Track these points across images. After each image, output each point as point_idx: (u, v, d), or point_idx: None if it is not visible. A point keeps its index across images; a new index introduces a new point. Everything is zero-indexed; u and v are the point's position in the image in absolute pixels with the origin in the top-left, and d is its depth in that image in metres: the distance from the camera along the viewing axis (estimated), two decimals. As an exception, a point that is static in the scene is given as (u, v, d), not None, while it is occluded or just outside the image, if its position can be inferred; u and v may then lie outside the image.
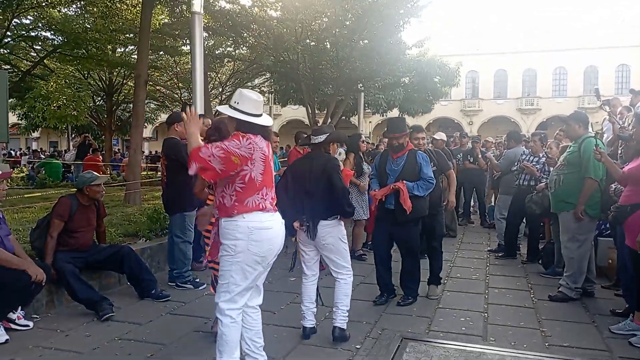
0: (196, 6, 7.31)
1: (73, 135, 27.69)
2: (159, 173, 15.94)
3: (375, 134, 31.92)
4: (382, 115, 24.46)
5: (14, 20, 14.06)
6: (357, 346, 3.81)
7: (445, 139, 9.25)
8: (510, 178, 7.20)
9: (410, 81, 21.27)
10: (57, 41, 15.66)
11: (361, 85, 16.41)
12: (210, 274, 4.23)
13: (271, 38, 13.88)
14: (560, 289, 5.10)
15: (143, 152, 21.15)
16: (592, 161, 4.77)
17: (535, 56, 40.56)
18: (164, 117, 23.70)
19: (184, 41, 15.52)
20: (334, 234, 3.86)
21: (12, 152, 31.48)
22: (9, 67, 16.67)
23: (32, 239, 4.59)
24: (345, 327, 3.90)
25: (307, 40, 13.96)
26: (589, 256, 5.14)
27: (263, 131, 3.04)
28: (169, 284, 5.34)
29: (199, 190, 4.14)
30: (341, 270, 3.93)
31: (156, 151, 30.33)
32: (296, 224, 3.84)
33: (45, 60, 16.65)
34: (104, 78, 20.07)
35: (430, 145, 9.57)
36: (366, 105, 21.29)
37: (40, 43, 16.54)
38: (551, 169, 6.02)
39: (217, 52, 16.75)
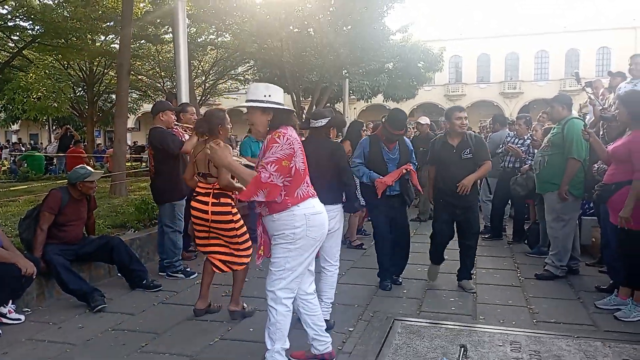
0: (179, -7, 7.25)
1: (54, 127, 27.32)
2: (144, 164, 15.83)
3: (361, 120, 31.93)
4: (367, 102, 24.49)
5: (-9, 10, 13.75)
6: (350, 329, 3.86)
7: (429, 122, 9.30)
8: (495, 160, 7.24)
9: (395, 67, 21.30)
10: (36, 31, 15.35)
11: (346, 71, 16.38)
12: (201, 263, 4.27)
13: (254, 25, 13.76)
14: (546, 268, 5.21)
15: (128, 143, 20.92)
16: (576, 142, 4.86)
17: (517, 40, 40.79)
18: (146, 107, 23.47)
19: (167, 29, 15.32)
20: (337, 220, 3.87)
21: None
22: (-14, 58, 16.34)
23: (20, 229, 4.53)
24: (328, 317, 3.83)
25: (291, 27, 13.88)
26: (574, 235, 5.25)
27: (293, 119, 3.06)
28: (160, 274, 5.34)
29: (190, 177, 4.15)
30: (331, 260, 3.88)
31: (135, 142, 29.98)
32: None
33: (24, 51, 16.34)
34: (84, 68, 19.77)
35: (415, 130, 9.67)
36: (351, 91, 21.29)
37: (18, 33, 16.19)
38: (536, 151, 6.11)
39: (199, 40, 16.61)
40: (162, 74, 20.33)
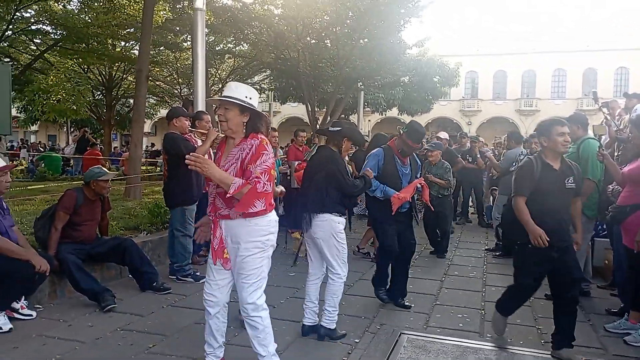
0: (199, 3, 7.36)
1: (72, 130, 27.70)
2: (159, 168, 15.99)
3: (375, 133, 31.97)
4: (382, 114, 24.57)
5: (16, 13, 14.04)
6: (356, 340, 3.86)
7: (448, 138, 9.33)
8: (509, 178, 7.19)
9: (410, 80, 21.36)
10: (58, 35, 15.65)
11: (361, 83, 16.48)
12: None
13: (272, 35, 13.93)
14: (556, 288, 5.16)
15: (145, 147, 21.17)
16: (591, 162, 4.84)
17: (534, 57, 40.66)
18: (163, 112, 23.73)
19: (185, 37, 15.55)
20: (325, 229, 3.79)
21: (13, 144, 31.42)
22: (8, 60, 16.66)
23: (35, 228, 4.63)
24: (332, 326, 3.85)
25: (308, 38, 14.02)
26: (586, 256, 5.21)
27: (264, 127, 3.02)
28: (170, 277, 5.39)
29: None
30: (332, 269, 3.87)
31: (152, 143, 30.26)
32: None
33: (45, 54, 16.65)
34: (104, 72, 20.08)
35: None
36: (366, 103, 21.37)
37: (40, 37, 16.53)
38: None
39: (217, 49, 16.80)
40: (180, 80, 20.59)
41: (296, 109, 35.97)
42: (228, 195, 2.79)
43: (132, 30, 14.47)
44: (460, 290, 5.39)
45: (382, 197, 4.51)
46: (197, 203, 5.47)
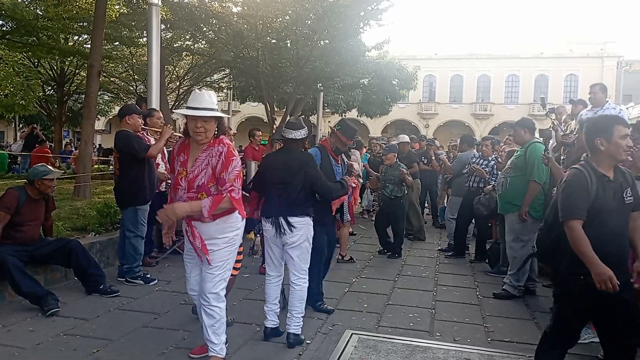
0: (154, -3, 7.21)
1: (21, 126, 26.60)
2: (111, 167, 15.54)
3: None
4: (341, 116, 24.66)
5: (-41, 3, 13.35)
6: (308, 341, 3.86)
7: (409, 141, 9.44)
8: (461, 180, 7.42)
9: (369, 83, 21.59)
10: (6, 27, 14.98)
11: (320, 85, 16.52)
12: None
13: (231, 34, 13.77)
14: (504, 287, 5.31)
15: (95, 144, 20.54)
16: (537, 165, 5.01)
17: (489, 63, 41.83)
18: (118, 109, 23.13)
19: (141, 32, 15.17)
20: (302, 232, 3.77)
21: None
22: (-48, 51, 15.86)
23: (-26, 229, 4.40)
24: (299, 332, 3.81)
25: (268, 38, 13.94)
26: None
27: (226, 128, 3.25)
28: (119, 279, 5.24)
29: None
30: (299, 274, 3.83)
31: (99, 145, 29.47)
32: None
33: (-8, 47, 15.91)
34: (55, 67, 19.35)
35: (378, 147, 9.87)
36: (325, 105, 21.43)
37: (-13, 28, 15.78)
38: (500, 172, 6.25)
39: (175, 45, 16.49)
40: (135, 77, 20.08)
41: (256, 109, 35.73)
42: (206, 219, 2.99)
43: (84, 24, 14.00)
44: (413, 290, 5.47)
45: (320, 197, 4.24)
46: (149, 203, 5.34)
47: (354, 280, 5.76)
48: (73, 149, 20.33)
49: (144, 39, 15.16)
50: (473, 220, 7.38)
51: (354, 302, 4.91)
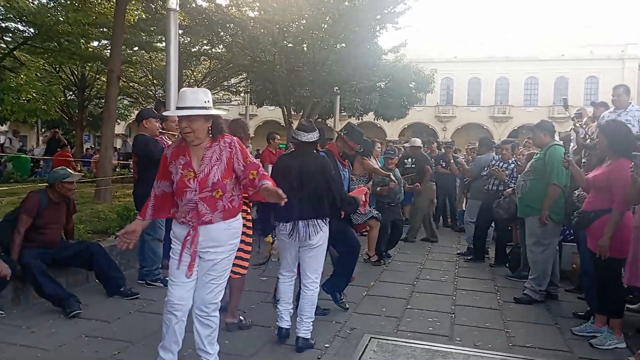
0: (172, 3, 7.30)
1: (43, 130, 27.09)
2: (132, 170, 15.73)
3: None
4: (358, 119, 24.68)
5: (-18, 10, 13.68)
6: (326, 345, 3.84)
7: (421, 145, 9.40)
8: (480, 183, 7.36)
9: (386, 86, 21.51)
10: (28, 33, 15.28)
11: (337, 88, 16.50)
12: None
13: (247, 38, 13.85)
14: (525, 292, 5.24)
15: (116, 148, 20.78)
16: (557, 168, 4.94)
17: (508, 65, 41.42)
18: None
19: (160, 37, 15.35)
20: (321, 235, 3.78)
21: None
22: (-24, 58, 16.19)
23: (-3, 233, 4.48)
24: (309, 336, 3.78)
25: (284, 42, 13.98)
26: (553, 260, 5.31)
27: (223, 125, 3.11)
28: (139, 281, 5.29)
29: None
30: (312, 276, 3.81)
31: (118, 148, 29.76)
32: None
33: (15, 52, 16.23)
34: (76, 72, 19.66)
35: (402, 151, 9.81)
36: (342, 108, 21.43)
37: (10, 34, 16.11)
38: (519, 175, 6.18)
39: (193, 50, 16.61)
40: (154, 81, 20.30)
41: (273, 113, 35.88)
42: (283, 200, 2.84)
43: (104, 29, 14.21)
44: (432, 294, 5.42)
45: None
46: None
47: (372, 284, 5.74)
48: (93, 153, 20.64)
49: (163, 44, 15.34)
50: (492, 224, 7.31)
51: (372, 306, 4.89)
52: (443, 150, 10.69)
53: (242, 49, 14.65)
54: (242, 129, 4.15)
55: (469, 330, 4.32)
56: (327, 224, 3.85)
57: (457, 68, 42.06)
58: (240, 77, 21.05)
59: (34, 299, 4.49)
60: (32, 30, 14.72)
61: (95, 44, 17.45)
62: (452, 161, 9.64)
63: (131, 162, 6.57)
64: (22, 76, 15.77)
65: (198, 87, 21.04)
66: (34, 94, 16.27)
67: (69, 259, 4.72)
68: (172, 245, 3.06)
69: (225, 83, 21.67)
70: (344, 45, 13.72)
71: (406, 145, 9.84)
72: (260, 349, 3.74)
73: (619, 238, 3.89)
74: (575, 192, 4.87)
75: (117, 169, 15.84)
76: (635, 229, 3.81)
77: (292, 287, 3.96)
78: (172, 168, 2.96)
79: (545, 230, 5.09)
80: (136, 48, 16.97)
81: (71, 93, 21.19)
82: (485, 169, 7.22)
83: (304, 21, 13.08)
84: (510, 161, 6.94)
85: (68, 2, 12.65)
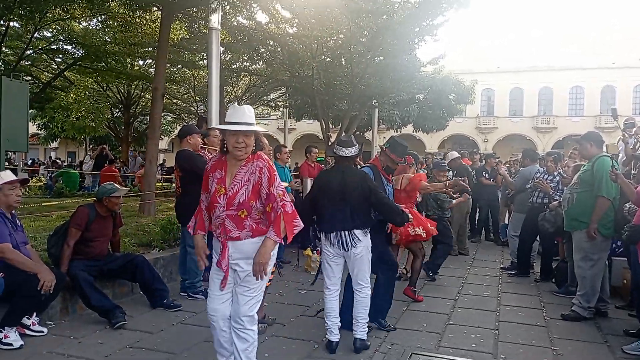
0: (214, 22, 7.49)
1: (91, 146, 28.16)
2: (173, 184, 16.12)
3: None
4: (396, 132, 24.56)
5: (36, 33, 14.39)
6: (366, 360, 3.81)
7: (459, 155, 9.27)
8: (524, 196, 7.18)
9: (425, 98, 21.32)
10: (78, 54, 16.00)
11: (375, 101, 16.49)
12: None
13: (286, 54, 14.05)
14: (573, 308, 5.05)
15: (161, 164, 21.42)
16: (605, 180, 4.76)
17: (551, 75, 40.44)
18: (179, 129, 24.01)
19: (202, 55, 15.76)
20: (365, 244, 3.92)
21: (35, 160, 32.12)
22: (30, 78, 17.04)
23: (49, 245, 4.67)
24: (365, 337, 3.98)
25: (323, 57, 14.10)
26: (603, 276, 5.10)
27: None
28: (181, 294, 5.39)
29: None
30: (363, 282, 3.99)
31: (162, 162, 30.52)
32: None
33: (65, 72, 17.01)
34: (122, 90, 20.44)
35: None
36: (380, 120, 21.37)
37: (61, 55, 16.91)
38: (565, 188, 5.99)
39: (234, 67, 16.97)
40: (197, 98, 20.84)
41: (311, 126, 36.12)
42: (273, 237, 2.91)
43: (149, 49, 14.74)
44: (474, 310, 5.29)
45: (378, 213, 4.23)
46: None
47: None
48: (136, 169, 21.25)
49: (205, 61, 15.76)
50: (537, 238, 7.09)
51: (413, 321, 4.81)
52: (484, 162, 10.46)
53: (282, 64, 14.86)
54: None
55: (514, 348, 4.19)
56: (368, 234, 3.96)
57: (498, 78, 41.36)
58: (280, 92, 21.35)
59: (81, 310, 4.64)
60: (81, 51, 15.38)
61: (141, 63, 18.10)
62: (498, 172, 9.37)
63: (174, 176, 6.74)
64: (71, 95, 16.52)
65: (239, 103, 21.55)
66: (83, 112, 17.00)
67: (115, 271, 4.86)
68: (212, 258, 3.14)
69: (265, 98, 22.00)
70: (382, 58, 13.73)
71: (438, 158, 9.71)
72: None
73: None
74: (627, 205, 4.69)
75: (159, 183, 16.24)
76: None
77: (338, 301, 4.07)
78: (210, 181, 3.08)
79: (593, 244, 4.90)
80: (179, 66, 17.48)
81: (117, 110, 22.01)
82: (530, 181, 7.04)
83: (342, 36, 13.16)
84: (555, 173, 6.74)
85: (115, 24, 13.16)
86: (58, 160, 30.27)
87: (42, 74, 18.21)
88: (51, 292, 3.90)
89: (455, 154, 9.15)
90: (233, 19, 12.38)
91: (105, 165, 16.13)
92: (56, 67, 17.83)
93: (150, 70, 17.70)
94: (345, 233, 3.86)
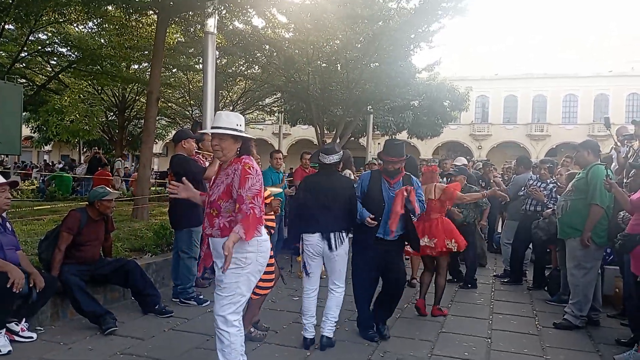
0: (210, 26, 7.51)
1: (84, 150, 28.05)
2: (168, 189, 16.03)
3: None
4: (391, 137, 24.65)
5: (31, 35, 14.33)
6: (359, 368, 3.79)
7: (467, 163, 9.27)
8: (517, 204, 7.18)
9: (420, 104, 21.42)
10: (73, 57, 15.95)
11: (370, 107, 16.54)
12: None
13: (282, 59, 14.07)
14: (565, 317, 5.05)
15: (152, 168, 21.32)
16: (599, 188, 4.77)
17: (545, 82, 40.71)
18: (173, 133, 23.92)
19: (197, 59, 15.75)
20: (346, 245, 4.19)
21: (27, 164, 31.93)
22: (24, 80, 16.95)
23: (40, 250, 4.62)
24: (332, 335, 4.16)
25: (318, 62, 14.13)
26: (595, 284, 5.11)
27: (253, 149, 3.33)
28: (173, 299, 5.35)
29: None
30: (339, 283, 4.21)
31: (154, 168, 30.50)
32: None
33: (60, 75, 16.94)
34: (117, 94, 20.36)
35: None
36: (375, 126, 21.43)
37: (55, 58, 16.84)
38: (559, 196, 6.01)
39: (229, 71, 16.96)
40: (192, 102, 20.79)
41: (306, 131, 36.12)
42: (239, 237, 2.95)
43: (145, 52, 14.71)
44: (467, 318, 5.29)
45: (359, 220, 4.30)
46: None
47: (405, 306, 5.64)
48: (130, 172, 21.19)
49: (200, 65, 15.75)
50: (530, 245, 7.10)
51: (405, 329, 4.80)
52: (480, 171, 10.47)
53: (277, 69, 14.88)
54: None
55: (507, 356, 4.19)
56: (348, 236, 4.26)
57: (492, 85, 41.59)
58: (275, 96, 21.35)
59: (71, 315, 4.59)
60: (76, 54, 15.34)
61: (136, 66, 18.05)
62: (492, 180, 9.37)
63: (167, 181, 6.73)
64: (65, 98, 16.45)
65: (234, 107, 21.50)
66: (77, 115, 16.90)
67: (106, 275, 4.82)
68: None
69: (260, 103, 21.99)
70: (377, 64, 13.78)
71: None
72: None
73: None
74: (620, 213, 4.70)
75: (153, 188, 16.17)
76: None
77: (315, 301, 4.24)
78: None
79: (586, 253, 4.91)
80: (175, 70, 17.45)
81: (112, 114, 21.91)
82: (523, 188, 7.05)
83: (338, 41, 13.19)
84: (549, 181, 6.76)
85: (110, 27, 13.14)
86: (50, 164, 30.13)
87: (37, 76, 18.12)
88: (20, 290, 3.75)
89: (462, 160, 9.17)
90: (229, 23, 12.38)
91: (99, 169, 16.03)
92: (51, 69, 17.76)
93: (146, 73, 17.66)
94: (332, 234, 4.09)
